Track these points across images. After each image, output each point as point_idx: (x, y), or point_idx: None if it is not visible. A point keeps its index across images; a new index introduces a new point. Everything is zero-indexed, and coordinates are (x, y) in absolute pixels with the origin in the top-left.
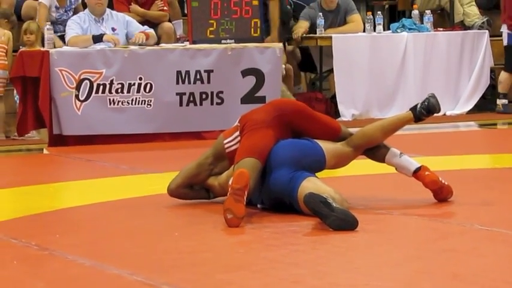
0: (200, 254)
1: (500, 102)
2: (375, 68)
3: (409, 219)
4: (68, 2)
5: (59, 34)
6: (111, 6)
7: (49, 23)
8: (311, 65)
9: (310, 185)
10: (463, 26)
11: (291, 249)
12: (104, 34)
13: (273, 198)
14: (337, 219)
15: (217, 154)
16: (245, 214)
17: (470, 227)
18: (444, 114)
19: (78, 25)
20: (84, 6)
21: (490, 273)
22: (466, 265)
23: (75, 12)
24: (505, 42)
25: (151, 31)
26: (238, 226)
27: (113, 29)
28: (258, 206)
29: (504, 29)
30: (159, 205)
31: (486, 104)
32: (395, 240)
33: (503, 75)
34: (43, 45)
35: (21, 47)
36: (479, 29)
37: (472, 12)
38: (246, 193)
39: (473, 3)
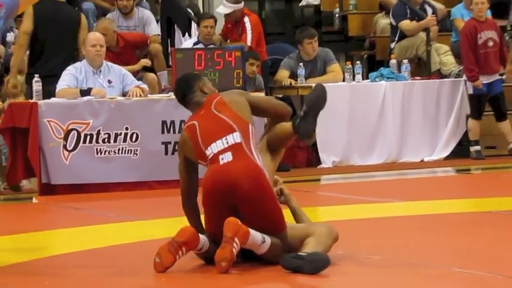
0: None
1: (473, 149)
2: (354, 116)
3: (388, 263)
4: None
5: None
6: None
7: (37, 75)
8: (293, 114)
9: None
10: (440, 75)
11: None
12: (91, 88)
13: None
14: (309, 263)
15: (188, 159)
16: (171, 266)
17: (449, 270)
18: (422, 160)
19: (72, 77)
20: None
21: None
22: None
23: None
24: (470, 91)
25: (145, 86)
26: (163, 272)
27: (109, 82)
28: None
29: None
30: (146, 252)
31: (463, 150)
32: (375, 284)
33: (471, 123)
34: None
35: (7, 98)
36: (455, 78)
37: (449, 62)
38: (183, 249)
39: (450, 52)
